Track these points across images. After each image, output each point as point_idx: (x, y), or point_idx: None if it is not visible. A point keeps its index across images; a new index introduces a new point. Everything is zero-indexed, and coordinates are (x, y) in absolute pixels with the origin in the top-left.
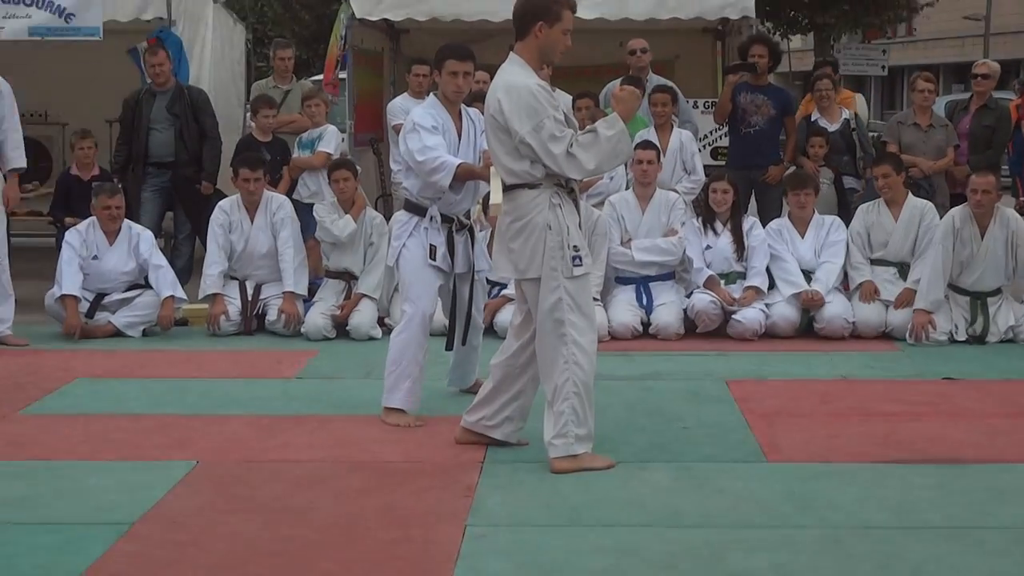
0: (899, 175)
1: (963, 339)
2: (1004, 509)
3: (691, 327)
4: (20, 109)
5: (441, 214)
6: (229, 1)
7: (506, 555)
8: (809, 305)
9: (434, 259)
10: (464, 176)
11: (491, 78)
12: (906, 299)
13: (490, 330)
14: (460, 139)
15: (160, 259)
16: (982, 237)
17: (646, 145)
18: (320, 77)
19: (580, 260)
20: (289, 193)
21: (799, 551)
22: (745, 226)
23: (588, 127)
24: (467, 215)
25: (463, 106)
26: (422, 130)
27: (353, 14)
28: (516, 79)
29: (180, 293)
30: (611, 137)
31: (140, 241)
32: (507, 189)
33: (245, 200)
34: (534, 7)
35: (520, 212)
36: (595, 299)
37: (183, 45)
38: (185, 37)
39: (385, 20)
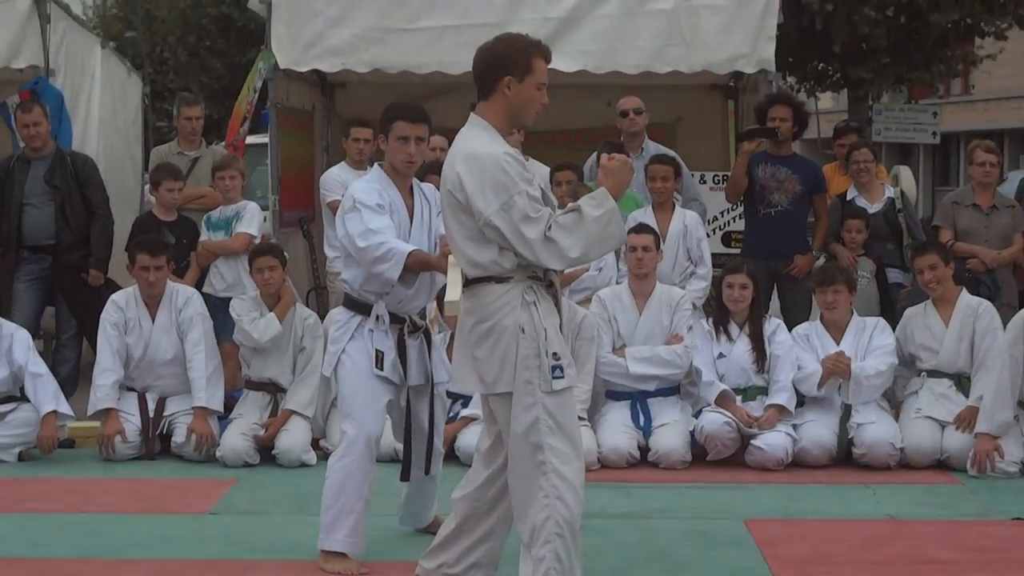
0: (948, 267)
1: None
2: None
3: (700, 453)
4: None
5: (390, 313)
6: (121, 46)
7: None
8: (836, 370)
9: (381, 368)
10: (416, 267)
11: (449, 144)
12: (967, 419)
13: (451, 455)
14: (412, 221)
15: (39, 366)
16: None
17: (641, 229)
18: (250, 139)
19: (561, 371)
20: (199, 284)
21: None
22: (767, 330)
23: (570, 205)
24: (422, 314)
25: (415, 180)
26: (364, 209)
27: (276, 64)
28: (479, 147)
29: (65, 408)
30: (599, 218)
31: (14, 343)
32: (469, 283)
33: (144, 293)
34: (497, 59)
35: (486, 312)
36: (581, 418)
37: (64, 100)
38: (67, 90)
39: (316, 72)
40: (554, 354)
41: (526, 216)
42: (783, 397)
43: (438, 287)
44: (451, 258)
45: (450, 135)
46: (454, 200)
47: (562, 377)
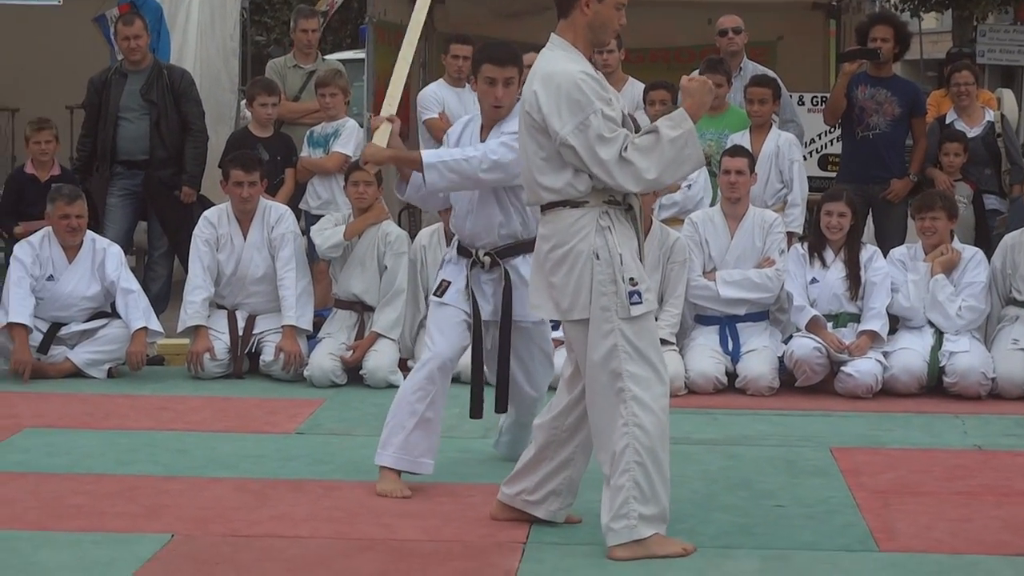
0: None
1: None
2: None
3: (788, 380)
4: None
5: (460, 246)
6: None
7: None
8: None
9: (440, 296)
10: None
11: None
12: None
13: None
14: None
15: (131, 282)
16: None
17: (735, 151)
18: (347, 54)
19: (639, 296)
20: (293, 203)
21: None
22: (863, 257)
23: (647, 127)
24: (500, 252)
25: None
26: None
27: None
28: (556, 66)
29: (155, 325)
30: (676, 139)
31: (106, 258)
32: (545, 209)
33: (237, 209)
34: None
35: (561, 237)
36: (670, 343)
37: (163, 13)
38: (166, 3)
39: None
40: (631, 279)
41: (601, 136)
42: (877, 324)
43: (495, 229)
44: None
45: None
46: (531, 120)
47: (640, 303)
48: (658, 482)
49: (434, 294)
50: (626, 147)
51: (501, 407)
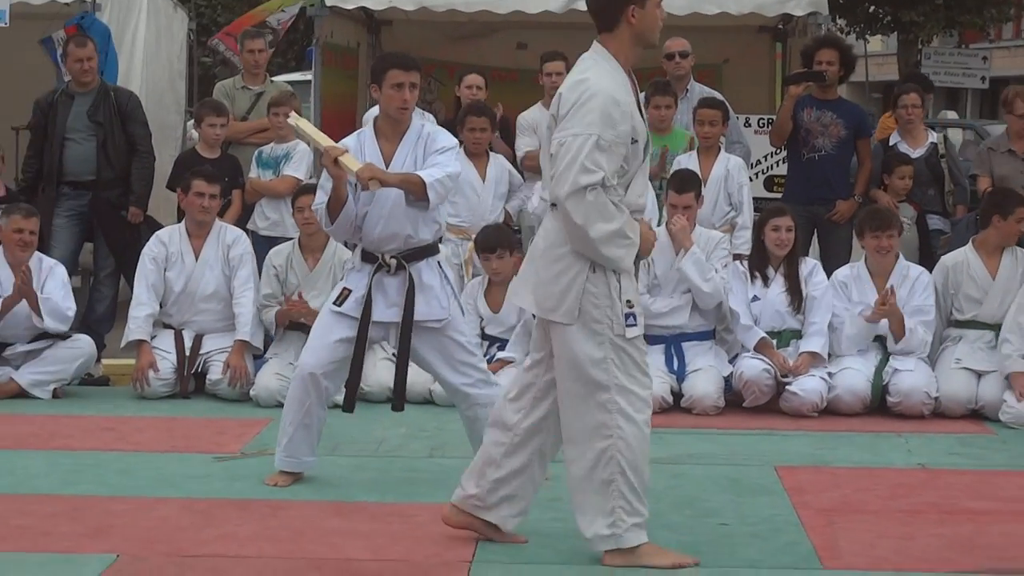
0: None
1: None
2: None
3: (733, 399)
4: None
5: (365, 252)
6: None
7: None
8: (883, 313)
9: (339, 305)
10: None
11: (486, 84)
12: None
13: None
14: (388, 167)
15: (68, 300)
16: None
17: (684, 187)
18: (294, 76)
19: (635, 319)
20: (241, 223)
21: None
22: (803, 271)
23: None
24: (405, 256)
25: (420, 124)
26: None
27: (323, 1)
28: (591, 76)
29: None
30: (609, 235)
31: (50, 278)
32: (554, 206)
33: (193, 222)
34: None
35: (560, 237)
36: None
37: (111, 35)
38: (113, 25)
39: (362, 9)
40: (628, 302)
41: (583, 159)
42: (817, 343)
43: (403, 235)
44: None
45: (494, 74)
46: (555, 123)
47: (635, 325)
48: (641, 493)
49: (333, 302)
50: (594, 187)
51: (398, 406)
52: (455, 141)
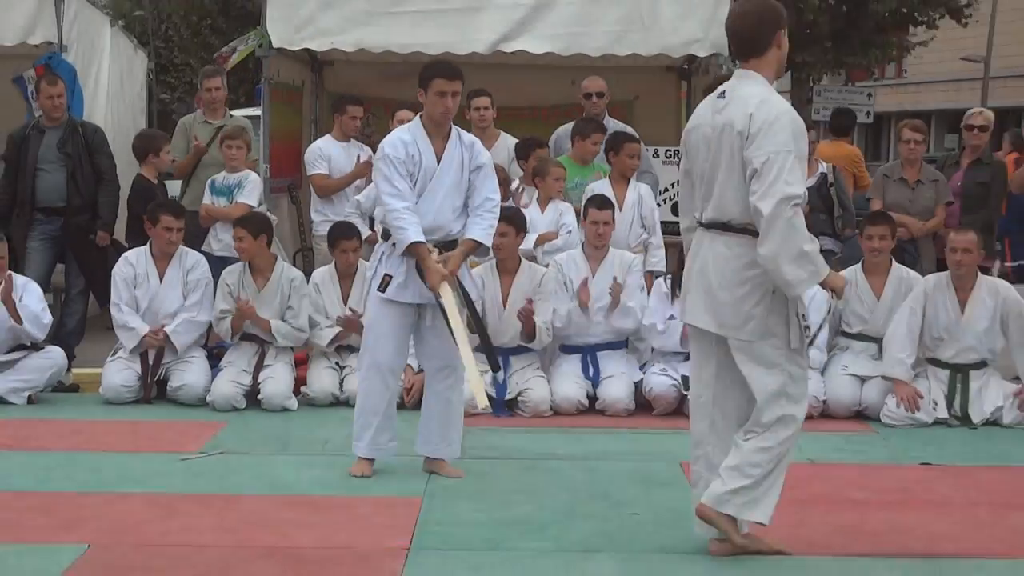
0: (892, 240)
1: (944, 418)
2: None
3: (643, 401)
4: None
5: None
6: (129, 23)
7: None
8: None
9: (383, 291)
10: (413, 255)
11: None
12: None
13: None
14: (439, 164)
15: (47, 313)
16: (962, 306)
17: (603, 204)
18: (246, 111)
19: (809, 331)
20: (194, 244)
21: None
22: None
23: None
24: (449, 244)
25: (458, 130)
26: (391, 163)
27: (269, 42)
28: (772, 97)
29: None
30: (808, 252)
31: (25, 295)
32: (730, 230)
33: (161, 250)
34: (772, 13)
35: (752, 259)
36: (538, 371)
37: (76, 74)
38: (78, 65)
39: (306, 50)
40: (803, 314)
41: (786, 175)
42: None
43: (446, 228)
44: (446, 287)
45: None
46: (741, 142)
47: (810, 340)
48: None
49: (377, 289)
50: (796, 202)
51: (495, 366)
52: (489, 156)
